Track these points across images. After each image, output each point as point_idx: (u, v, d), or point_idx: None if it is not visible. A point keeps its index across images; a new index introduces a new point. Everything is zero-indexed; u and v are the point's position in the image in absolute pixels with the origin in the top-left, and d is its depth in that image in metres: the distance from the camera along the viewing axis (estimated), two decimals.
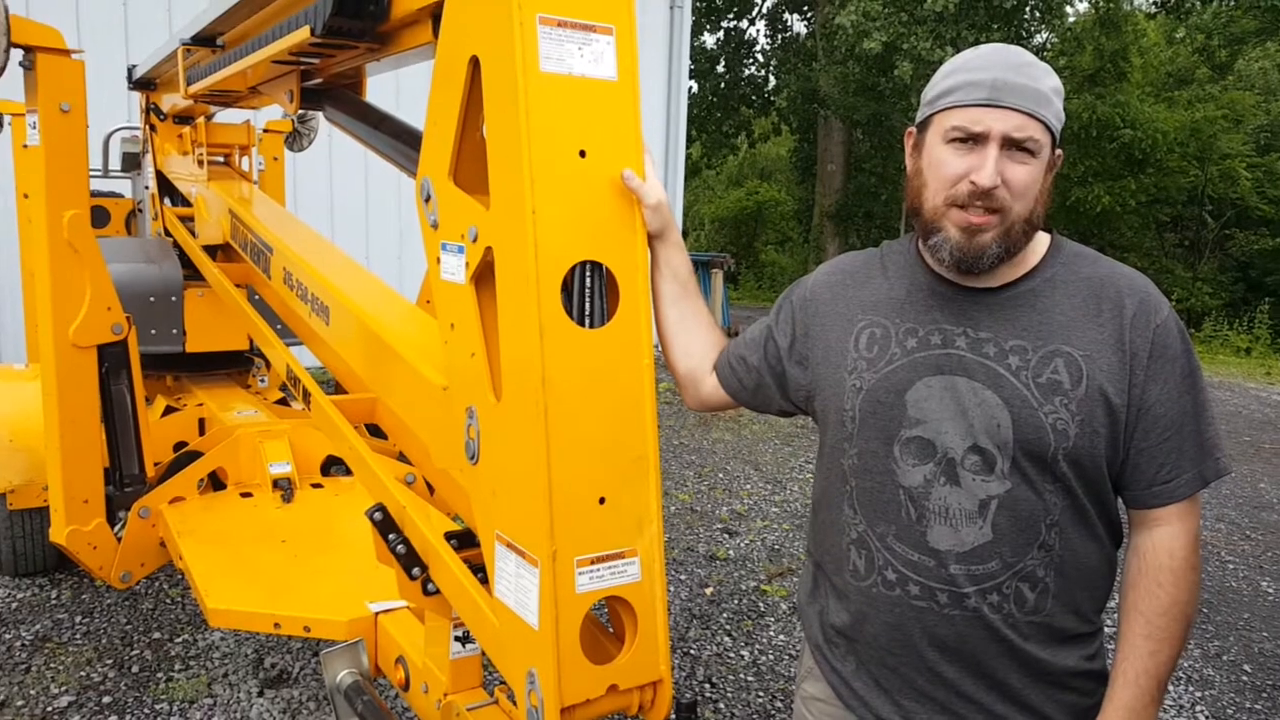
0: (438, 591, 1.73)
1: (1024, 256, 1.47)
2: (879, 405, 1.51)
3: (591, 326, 1.34)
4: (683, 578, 4.76)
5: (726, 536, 5.44)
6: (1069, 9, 17.96)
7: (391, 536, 1.77)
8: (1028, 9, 16.60)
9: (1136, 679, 1.43)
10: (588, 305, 1.34)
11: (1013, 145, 1.38)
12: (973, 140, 1.39)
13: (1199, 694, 3.85)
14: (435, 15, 1.50)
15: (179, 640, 3.75)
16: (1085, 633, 1.49)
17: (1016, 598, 1.44)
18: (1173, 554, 1.43)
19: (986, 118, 1.38)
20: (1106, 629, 1.57)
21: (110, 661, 3.57)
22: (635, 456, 1.38)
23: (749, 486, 6.46)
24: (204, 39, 2.63)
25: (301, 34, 1.76)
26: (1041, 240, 1.50)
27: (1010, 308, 1.46)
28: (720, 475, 6.72)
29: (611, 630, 1.51)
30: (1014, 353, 1.43)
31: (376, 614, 2.40)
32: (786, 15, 24.71)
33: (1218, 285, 18.60)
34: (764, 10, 24.65)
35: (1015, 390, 1.41)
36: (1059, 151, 1.46)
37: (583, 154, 1.31)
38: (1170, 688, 3.76)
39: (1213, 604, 4.77)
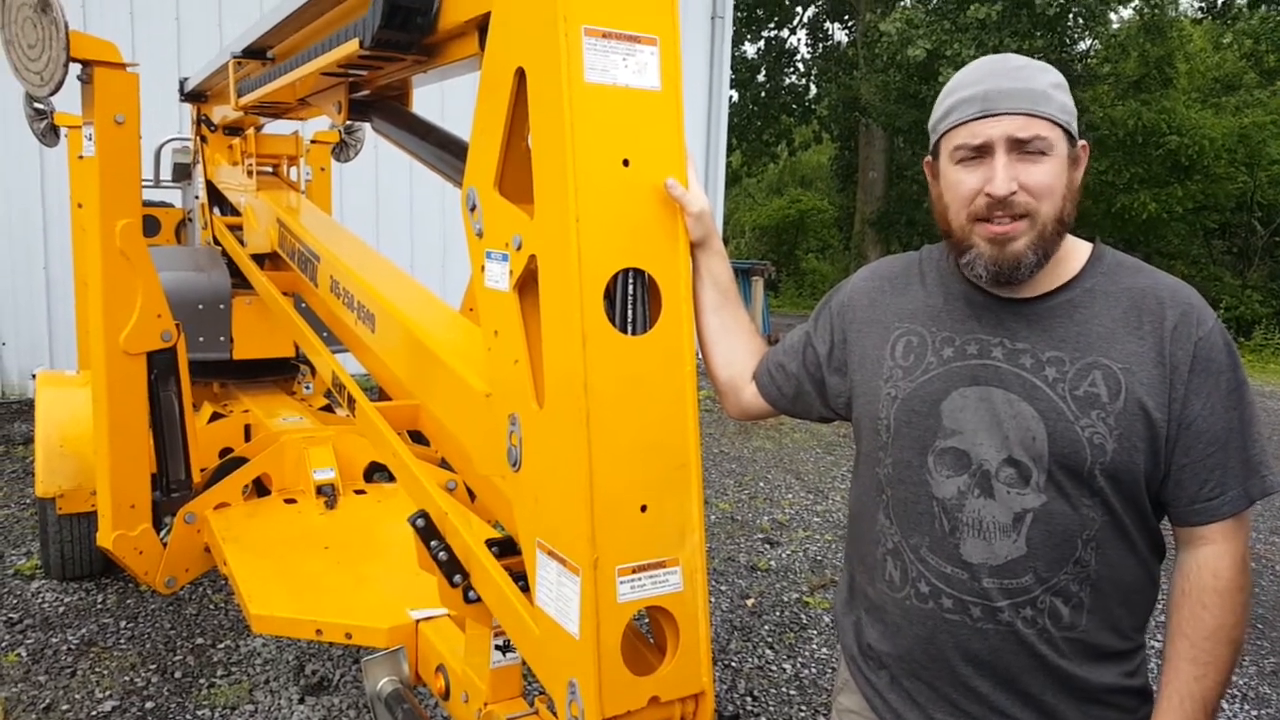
0: (479, 599, 1.74)
1: (1062, 266, 1.45)
2: (914, 415, 1.49)
3: (634, 333, 1.34)
4: (724, 588, 4.74)
5: (768, 547, 5.41)
6: (1113, 15, 17.71)
7: (433, 543, 1.78)
8: (1071, 16, 16.40)
9: (1181, 704, 1.39)
10: (630, 312, 1.34)
11: (1021, 147, 1.37)
12: (979, 153, 1.39)
13: (1255, 712, 3.75)
14: (481, 28, 1.52)
15: (221, 646, 3.80)
16: (1125, 650, 1.46)
17: (1051, 613, 1.41)
18: (1218, 574, 1.40)
19: (984, 128, 1.38)
20: (1155, 644, 1.54)
21: (154, 667, 3.63)
22: (677, 464, 1.38)
23: (790, 496, 6.43)
24: (254, 52, 2.68)
25: (350, 46, 1.78)
26: (1081, 249, 1.47)
27: (1048, 318, 1.43)
28: (761, 484, 6.69)
29: (653, 641, 1.51)
30: (1051, 364, 1.40)
31: (417, 621, 2.41)
32: (827, 24, 24.68)
33: (1268, 293, 18.17)
34: (804, 20, 24.63)
35: (1051, 403, 1.39)
36: (1082, 144, 1.43)
37: (626, 163, 1.32)
38: (1224, 705, 3.68)
39: (1268, 619, 4.66)
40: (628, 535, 1.34)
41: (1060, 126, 1.39)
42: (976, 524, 1.43)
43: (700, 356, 1.71)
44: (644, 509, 1.35)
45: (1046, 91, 1.38)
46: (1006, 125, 1.37)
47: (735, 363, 1.74)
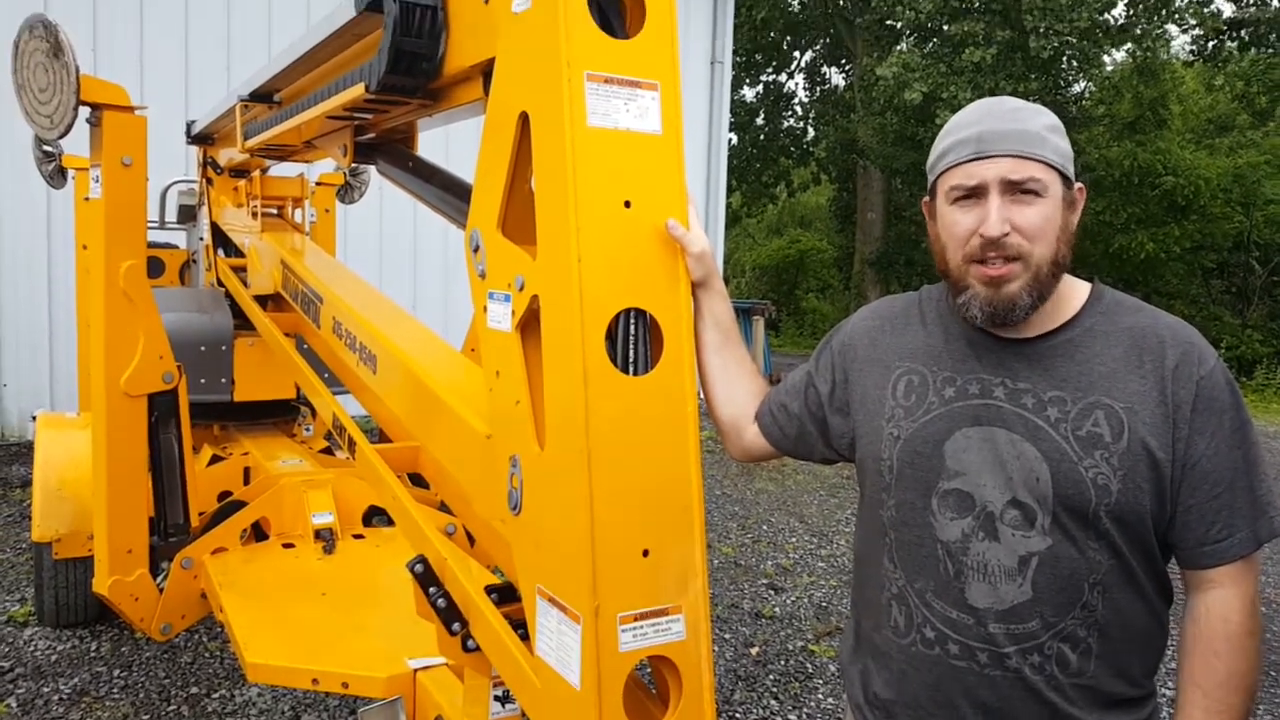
0: (478, 648, 1.71)
1: (1061, 306, 1.44)
2: (917, 456, 1.48)
3: (636, 373, 1.34)
4: (727, 636, 4.68)
5: (772, 593, 5.35)
6: (1106, 58, 17.94)
7: (432, 590, 1.75)
8: (1064, 59, 16.61)
9: None
10: (632, 352, 1.34)
11: (1015, 189, 1.37)
12: (973, 195, 1.40)
13: None
14: (486, 73, 1.53)
15: (216, 695, 3.74)
16: (1136, 697, 1.43)
17: (1058, 659, 1.39)
18: (1228, 619, 1.37)
19: (978, 169, 1.39)
20: (1166, 692, 1.51)
21: (147, 717, 3.57)
22: (680, 507, 1.37)
23: (794, 540, 6.38)
24: (261, 95, 2.70)
25: (356, 91, 1.80)
26: (1080, 289, 1.47)
27: (1049, 358, 1.42)
28: (764, 527, 6.64)
29: (655, 691, 1.48)
30: (1053, 404, 1.39)
31: (415, 671, 2.38)
32: (825, 68, 24.99)
33: (1268, 332, 18.20)
34: (802, 64, 24.97)
35: (1054, 443, 1.38)
36: (1078, 186, 1.44)
37: (628, 204, 1.32)
38: None
39: None
40: (629, 582, 1.32)
41: (1054, 169, 1.39)
42: (982, 567, 1.41)
43: (702, 397, 1.71)
44: (646, 554, 1.33)
45: (1040, 134, 1.39)
46: (1000, 167, 1.37)
47: (737, 403, 1.73)
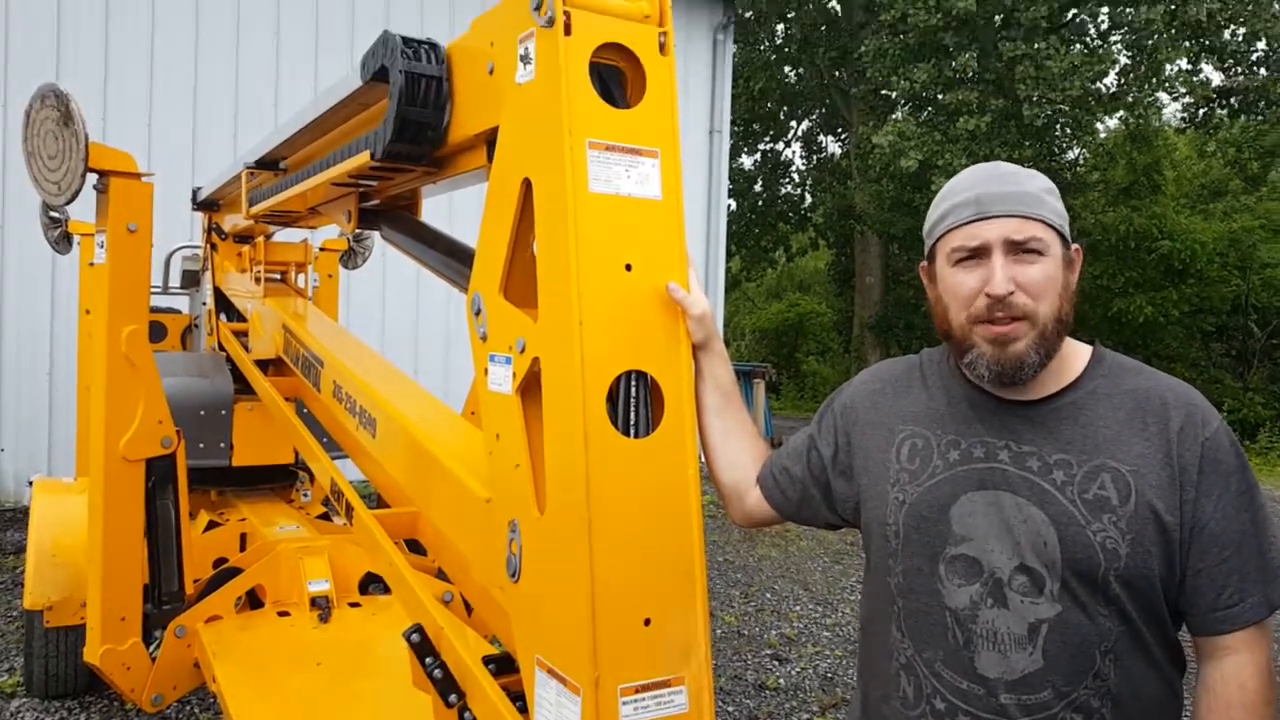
0: None
1: (1063, 368, 1.44)
2: (923, 520, 1.46)
3: (637, 436, 1.33)
4: (730, 709, 4.58)
5: (776, 664, 5.25)
6: (1099, 125, 18.23)
7: (429, 660, 1.73)
8: (1058, 126, 16.89)
9: None
10: (633, 414, 1.34)
11: (1017, 249, 1.39)
12: (976, 255, 1.41)
13: None
14: (490, 141, 1.56)
15: None
16: None
17: None
18: (1244, 687, 1.34)
19: (981, 230, 1.40)
20: None
21: None
22: (682, 574, 1.35)
23: (798, 608, 6.28)
24: (267, 163, 2.74)
25: (362, 158, 1.83)
26: (1082, 352, 1.47)
27: (1053, 421, 1.42)
28: (768, 595, 6.55)
29: None
30: (1058, 467, 1.38)
31: None
32: (821, 137, 25.41)
33: (1269, 395, 18.18)
34: (799, 133, 25.40)
35: (1061, 507, 1.36)
36: (1075, 247, 1.45)
37: (629, 268, 1.34)
38: None
39: None
40: (631, 652, 1.29)
41: (1054, 229, 1.41)
42: (991, 635, 1.38)
43: (703, 460, 1.70)
44: (648, 623, 1.31)
45: (1039, 195, 1.41)
46: (1002, 227, 1.39)
47: (739, 466, 1.72)
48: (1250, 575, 1.34)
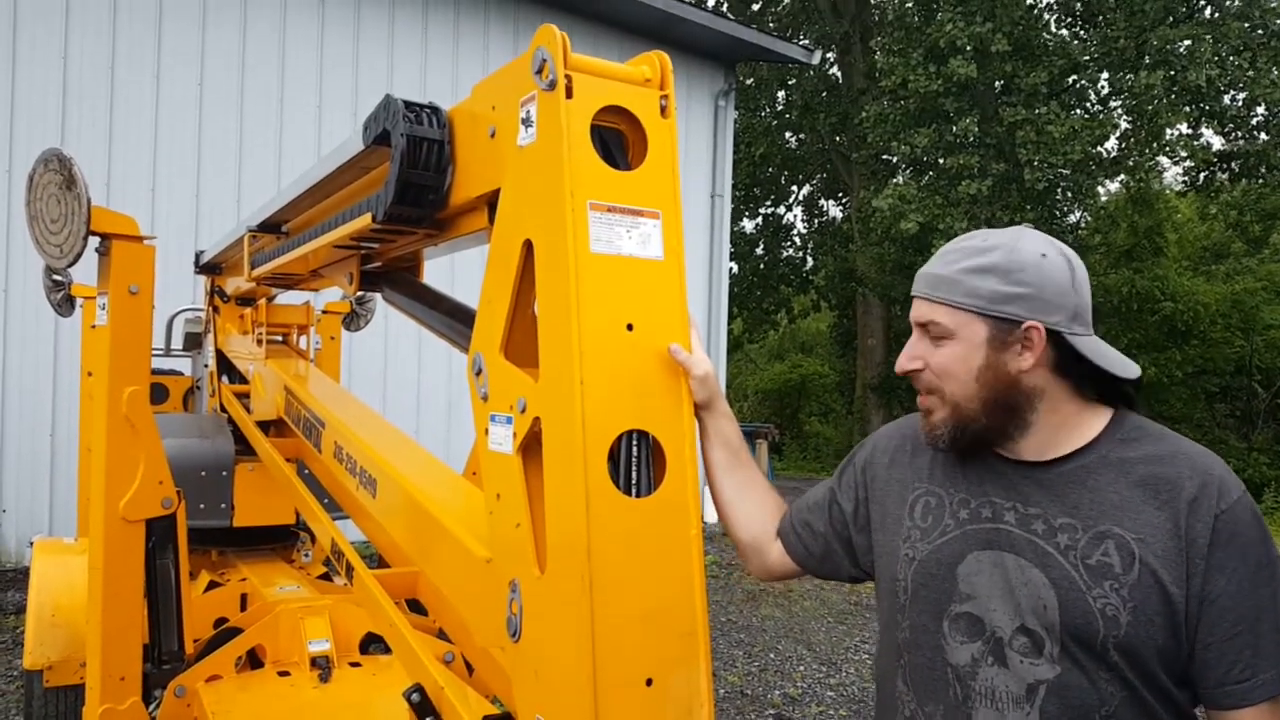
0: None
1: (1076, 431, 1.44)
2: (930, 577, 1.48)
3: (638, 495, 1.33)
4: None
5: None
6: (1100, 189, 18.42)
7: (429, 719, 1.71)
8: (1059, 190, 17.07)
9: None
10: (635, 474, 1.34)
11: (927, 329, 1.47)
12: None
13: None
14: (491, 203, 1.58)
15: None
16: None
17: None
18: None
19: (914, 308, 1.50)
20: None
21: None
22: (684, 632, 1.34)
23: (802, 668, 6.20)
24: (269, 226, 2.77)
25: (363, 221, 1.85)
26: (1100, 416, 1.46)
27: (1061, 484, 1.42)
28: (771, 655, 6.46)
29: None
30: (1063, 531, 1.38)
31: None
32: (822, 201, 25.71)
33: (1274, 455, 18.10)
34: (800, 197, 25.68)
35: (1063, 571, 1.36)
36: (1029, 324, 1.40)
37: (630, 328, 1.35)
38: None
39: None
40: (632, 712, 1.28)
41: (969, 311, 1.42)
42: (989, 694, 1.39)
43: (719, 519, 1.71)
44: (650, 683, 1.30)
45: (955, 278, 1.43)
46: (917, 309, 1.48)
47: (756, 521, 1.73)
48: (1264, 652, 1.32)
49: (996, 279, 1.41)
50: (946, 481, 1.53)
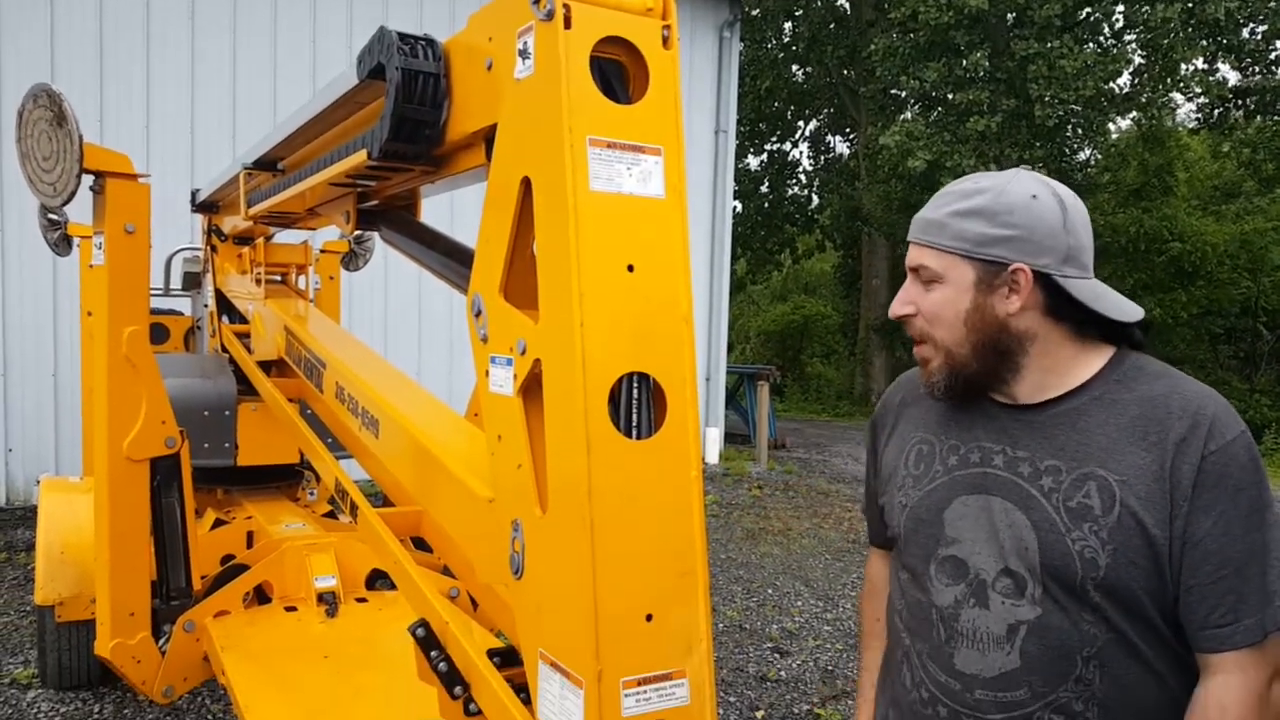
0: (480, 712, 1.68)
1: (1071, 373, 1.43)
2: (920, 523, 1.51)
3: (638, 437, 1.33)
4: (732, 700, 4.60)
5: (777, 656, 5.27)
6: (1111, 126, 18.16)
7: (434, 654, 1.73)
8: (1070, 126, 16.83)
9: None
10: (635, 416, 1.33)
11: (919, 273, 1.47)
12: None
13: None
14: (488, 139, 1.55)
15: None
16: None
17: None
18: (1225, 708, 1.29)
19: (908, 252, 1.50)
20: None
21: None
22: (683, 571, 1.35)
23: (799, 603, 6.29)
24: (265, 163, 2.74)
25: (359, 158, 1.82)
26: (1099, 355, 1.44)
27: (1050, 426, 1.41)
28: (770, 591, 6.55)
29: None
30: (1048, 473, 1.38)
31: None
32: (829, 137, 25.35)
33: (1276, 397, 18.13)
34: (806, 133, 25.32)
35: (1045, 513, 1.37)
36: (1015, 266, 1.39)
37: (631, 268, 1.33)
38: None
39: None
40: (633, 646, 1.30)
41: (954, 254, 1.41)
42: (971, 634, 1.42)
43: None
44: (649, 618, 1.31)
45: (941, 221, 1.42)
46: (910, 253, 1.48)
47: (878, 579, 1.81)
48: (1248, 597, 1.30)
49: (983, 221, 1.40)
50: (939, 429, 1.55)
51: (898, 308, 1.48)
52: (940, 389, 1.47)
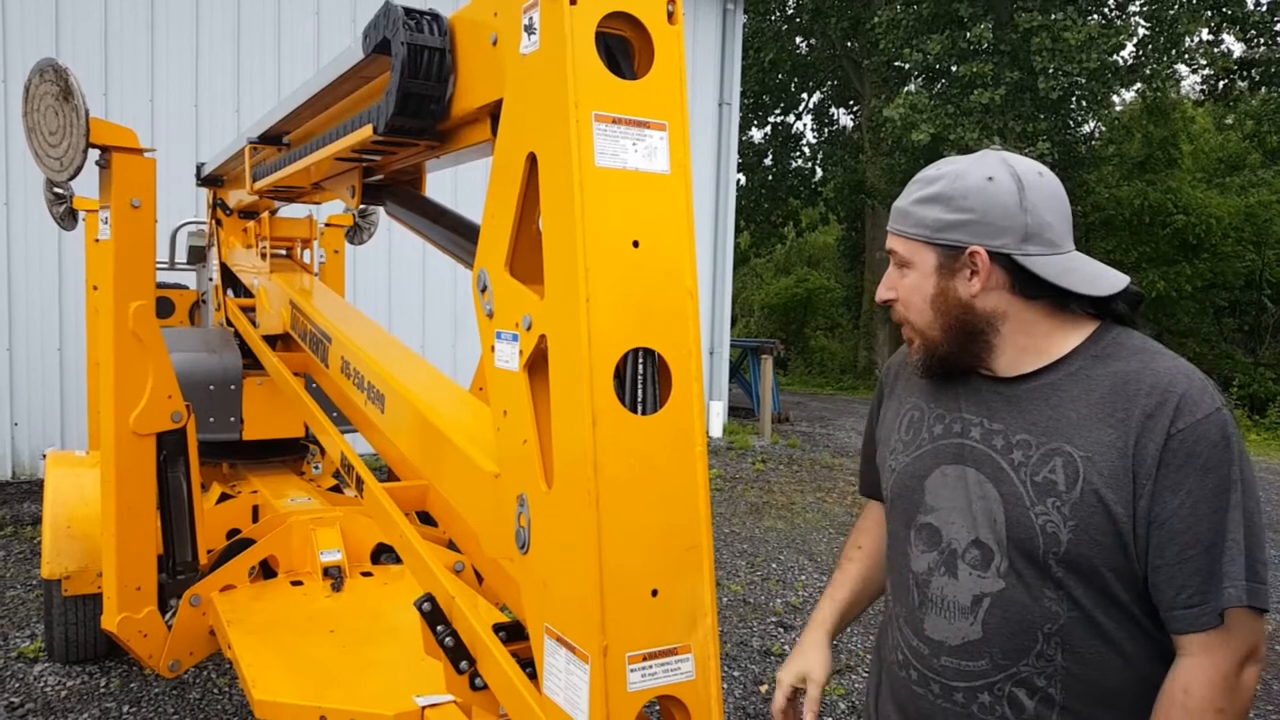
0: (486, 686, 1.70)
1: (1048, 348, 1.43)
2: (904, 489, 1.55)
3: (644, 413, 1.33)
4: (736, 674, 4.63)
5: (781, 631, 5.30)
6: (1115, 98, 18.04)
7: (440, 628, 1.75)
8: (1074, 99, 16.72)
9: None
10: (640, 392, 1.33)
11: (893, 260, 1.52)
12: None
13: None
14: (494, 114, 1.55)
15: None
16: None
17: (1011, 702, 1.38)
18: (1189, 691, 1.28)
19: (887, 240, 1.54)
20: None
21: None
22: (688, 546, 1.36)
23: (803, 578, 6.32)
24: (270, 138, 2.73)
25: (364, 132, 1.82)
26: (1079, 330, 1.43)
27: (1025, 400, 1.43)
28: (773, 565, 6.59)
29: None
30: (1019, 447, 1.40)
31: (423, 708, 2.36)
32: (833, 109, 25.18)
33: None
34: (810, 105, 25.16)
35: (1013, 486, 1.39)
36: (970, 249, 1.40)
37: (636, 244, 1.33)
38: None
39: None
40: (638, 621, 1.31)
41: (918, 241, 1.45)
42: (940, 601, 1.46)
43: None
44: (655, 594, 1.32)
45: (906, 209, 1.48)
46: (887, 240, 1.53)
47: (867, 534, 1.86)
48: (1217, 577, 1.27)
49: (940, 207, 1.43)
50: (930, 397, 1.57)
51: (882, 293, 1.53)
52: (920, 370, 1.53)
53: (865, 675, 4.26)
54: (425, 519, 3.21)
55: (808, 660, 1.71)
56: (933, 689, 1.47)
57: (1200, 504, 1.27)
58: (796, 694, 1.72)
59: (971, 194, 1.40)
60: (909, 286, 1.48)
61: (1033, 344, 1.43)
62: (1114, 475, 1.30)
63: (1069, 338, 1.43)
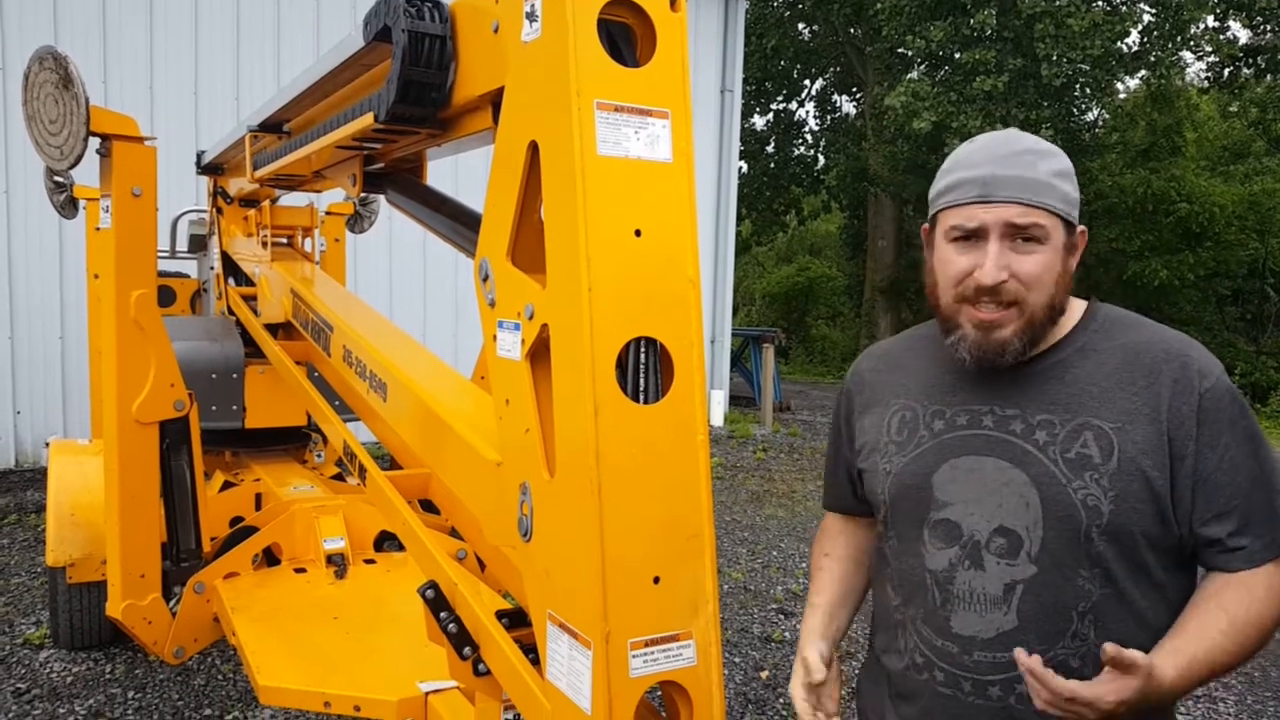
0: (489, 672, 1.71)
1: (1054, 327, 1.44)
2: (907, 489, 1.51)
3: (646, 402, 1.33)
4: (737, 660, 4.65)
5: (782, 617, 5.33)
6: (1119, 86, 17.96)
7: (443, 615, 1.75)
8: (1077, 86, 16.64)
9: (1189, 660, 1.30)
10: (642, 381, 1.34)
11: (1017, 234, 1.36)
12: (972, 236, 1.39)
13: None
14: (495, 102, 1.54)
15: (229, 717, 3.74)
16: None
17: None
18: (1270, 588, 1.33)
19: (980, 213, 1.38)
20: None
21: None
22: (689, 534, 1.36)
23: (804, 565, 6.34)
24: (270, 126, 2.73)
25: (365, 120, 1.82)
26: (1074, 309, 1.46)
27: (1038, 381, 1.42)
28: (774, 553, 6.61)
29: (666, 716, 1.47)
30: (1042, 427, 1.39)
31: (427, 694, 2.37)
32: (835, 97, 25.07)
33: None
34: (812, 93, 25.06)
35: (1043, 467, 1.38)
36: (1080, 229, 1.43)
37: (638, 233, 1.32)
38: None
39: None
40: (640, 608, 1.31)
41: (1058, 216, 1.38)
42: (968, 596, 1.43)
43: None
44: (656, 580, 1.32)
45: (1048, 181, 1.38)
46: (1003, 212, 1.36)
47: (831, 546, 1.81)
48: (1254, 522, 1.34)
49: (1071, 183, 1.41)
50: (922, 395, 1.55)
51: (996, 274, 1.36)
52: (1016, 353, 1.40)
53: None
54: (428, 507, 3.22)
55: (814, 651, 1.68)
56: (963, 688, 1.43)
57: (1236, 454, 1.34)
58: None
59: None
60: (1040, 263, 1.37)
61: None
62: (1148, 442, 1.33)
63: (1069, 314, 1.46)
